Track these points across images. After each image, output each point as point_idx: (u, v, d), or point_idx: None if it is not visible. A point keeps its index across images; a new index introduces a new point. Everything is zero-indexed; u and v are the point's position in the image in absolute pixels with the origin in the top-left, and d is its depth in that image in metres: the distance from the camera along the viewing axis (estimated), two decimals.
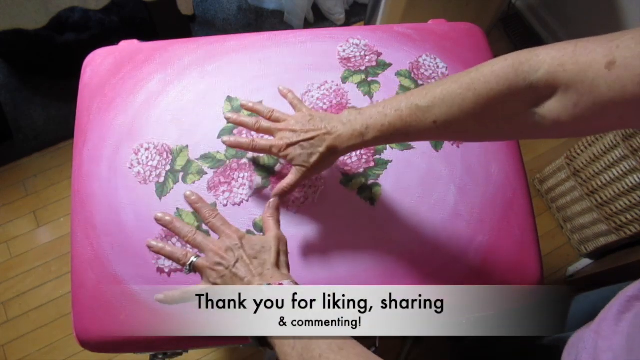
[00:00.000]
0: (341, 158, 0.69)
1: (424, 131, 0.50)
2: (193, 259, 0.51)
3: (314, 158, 0.56)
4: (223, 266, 0.49)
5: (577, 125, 0.41)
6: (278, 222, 0.56)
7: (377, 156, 0.69)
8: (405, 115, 0.50)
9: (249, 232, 0.64)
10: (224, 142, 0.61)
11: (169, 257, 0.53)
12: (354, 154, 0.69)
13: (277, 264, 0.50)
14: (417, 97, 0.50)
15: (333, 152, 0.55)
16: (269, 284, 0.46)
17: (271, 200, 0.57)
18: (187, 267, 0.51)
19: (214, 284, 0.49)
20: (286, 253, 0.53)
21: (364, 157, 0.69)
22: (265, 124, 0.60)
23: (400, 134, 0.52)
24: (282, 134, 0.58)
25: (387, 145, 0.70)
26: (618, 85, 0.36)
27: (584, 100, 0.39)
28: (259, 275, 0.48)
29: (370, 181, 0.68)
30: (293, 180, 0.58)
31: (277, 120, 0.60)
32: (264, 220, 0.56)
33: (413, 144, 0.70)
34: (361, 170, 0.68)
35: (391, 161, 0.69)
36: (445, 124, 0.49)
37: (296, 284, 0.48)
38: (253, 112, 0.63)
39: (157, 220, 0.55)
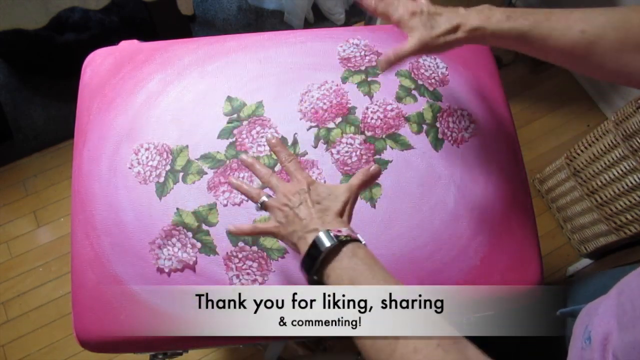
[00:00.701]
0: (341, 158, 0.69)
1: (565, 40, 0.48)
2: (264, 198, 0.54)
3: (436, 30, 0.53)
4: (288, 207, 0.51)
5: None
6: (363, 181, 0.55)
7: (377, 156, 0.69)
8: (554, 16, 0.49)
9: None
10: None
11: (245, 194, 0.56)
12: (353, 153, 0.69)
13: (341, 213, 0.51)
14: (574, 9, 0.48)
15: (454, 30, 0.53)
16: (327, 230, 0.47)
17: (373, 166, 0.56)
18: (259, 205, 0.55)
19: (279, 222, 0.52)
20: (353, 205, 0.53)
21: (364, 157, 0.69)
22: None
23: (539, 34, 0.49)
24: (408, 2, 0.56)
25: (387, 145, 0.70)
26: None
27: None
28: (319, 219, 0.49)
29: None
30: (409, 48, 0.55)
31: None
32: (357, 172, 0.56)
33: (413, 143, 0.70)
34: None
35: (391, 161, 0.69)
36: (592, 37, 0.46)
37: (355, 233, 0.48)
38: None
39: (241, 160, 0.58)
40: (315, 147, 0.70)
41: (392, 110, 0.73)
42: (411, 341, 0.41)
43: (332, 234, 0.46)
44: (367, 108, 0.73)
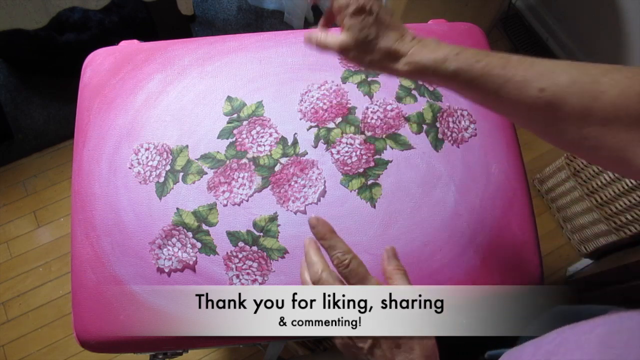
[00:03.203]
0: (341, 158, 0.69)
1: (521, 97, 0.39)
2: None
3: (373, 45, 0.45)
4: None
5: None
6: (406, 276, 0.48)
7: (377, 156, 0.69)
8: (511, 64, 0.40)
9: (248, 232, 0.64)
10: None
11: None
12: (353, 153, 0.69)
13: None
14: (540, 60, 0.40)
15: (392, 55, 0.45)
16: None
17: (389, 247, 0.48)
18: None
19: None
20: None
21: (364, 157, 0.69)
22: None
23: (492, 83, 0.40)
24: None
25: (387, 145, 0.70)
26: None
27: None
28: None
29: (370, 181, 0.68)
30: (342, 43, 0.46)
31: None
32: (390, 273, 0.48)
33: (413, 143, 0.70)
34: (361, 170, 0.68)
35: (391, 161, 0.69)
36: (550, 98, 0.38)
37: None
38: None
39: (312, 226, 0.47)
40: (315, 147, 0.70)
41: (392, 110, 0.73)
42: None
43: None
44: (367, 108, 0.73)
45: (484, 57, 0.41)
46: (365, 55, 0.46)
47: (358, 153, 0.69)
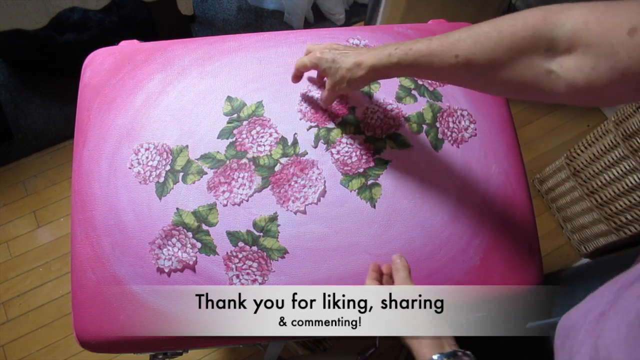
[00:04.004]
0: (341, 158, 0.69)
1: (445, 65, 0.50)
2: None
3: (341, 70, 0.60)
4: None
5: (592, 92, 0.41)
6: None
7: (377, 156, 0.69)
8: (433, 44, 0.51)
9: (248, 232, 0.64)
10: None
11: None
12: (353, 153, 0.69)
13: None
14: (451, 32, 0.51)
15: (357, 66, 0.58)
16: None
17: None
18: None
19: None
20: None
21: (364, 157, 0.69)
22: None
23: (425, 62, 0.52)
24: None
25: (387, 145, 0.70)
26: (638, 53, 0.35)
27: (601, 65, 0.38)
28: None
29: (370, 181, 0.68)
30: (325, 92, 0.66)
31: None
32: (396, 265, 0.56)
33: (413, 143, 0.70)
34: (361, 170, 0.68)
35: (391, 161, 0.69)
36: (465, 60, 0.48)
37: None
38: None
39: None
40: (315, 147, 0.70)
41: (392, 110, 0.73)
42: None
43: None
44: (367, 108, 0.73)
45: (414, 45, 0.52)
46: (343, 80, 0.61)
47: (358, 153, 0.69)
